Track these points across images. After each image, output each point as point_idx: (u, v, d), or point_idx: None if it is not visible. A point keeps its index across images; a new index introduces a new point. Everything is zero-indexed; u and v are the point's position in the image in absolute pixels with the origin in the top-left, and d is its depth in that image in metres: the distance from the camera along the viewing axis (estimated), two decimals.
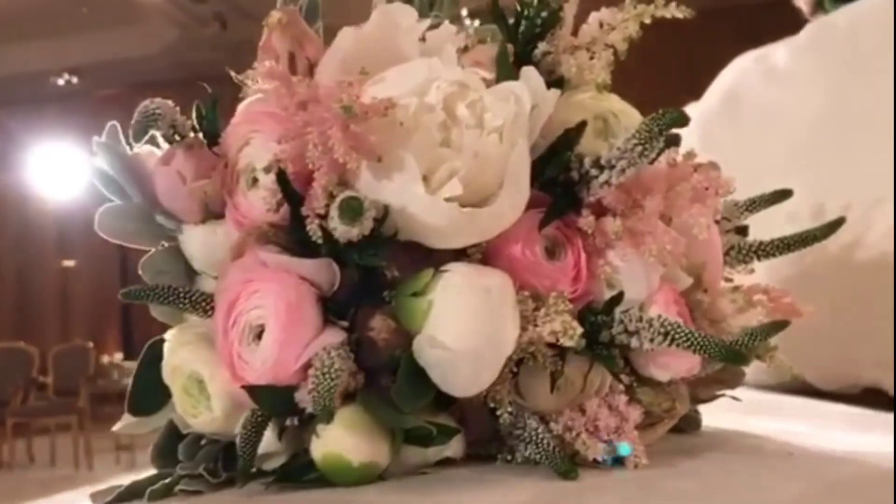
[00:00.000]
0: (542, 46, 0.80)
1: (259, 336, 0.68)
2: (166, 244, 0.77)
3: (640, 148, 0.67)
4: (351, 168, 0.65)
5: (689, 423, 0.86)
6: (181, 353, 0.71)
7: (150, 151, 0.76)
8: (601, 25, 0.81)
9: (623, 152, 0.68)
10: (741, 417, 0.91)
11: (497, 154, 0.68)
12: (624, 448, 0.67)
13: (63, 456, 8.03)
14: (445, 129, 0.67)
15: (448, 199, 0.66)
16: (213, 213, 0.75)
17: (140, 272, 0.74)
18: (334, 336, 0.66)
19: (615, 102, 0.79)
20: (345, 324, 0.68)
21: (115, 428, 0.78)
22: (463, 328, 0.66)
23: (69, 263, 12.91)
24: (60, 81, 11.96)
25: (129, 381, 0.76)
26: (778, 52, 1.91)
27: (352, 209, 0.62)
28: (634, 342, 0.70)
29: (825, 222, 0.92)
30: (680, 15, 0.78)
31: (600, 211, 0.74)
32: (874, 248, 1.34)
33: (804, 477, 0.67)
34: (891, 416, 1.08)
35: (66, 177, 11.47)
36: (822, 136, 1.58)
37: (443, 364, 0.67)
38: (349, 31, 0.71)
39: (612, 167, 0.70)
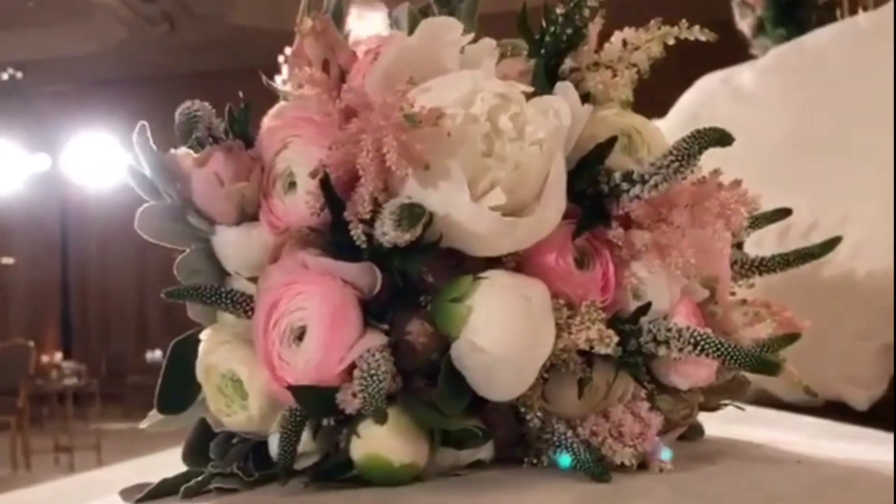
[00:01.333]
0: (568, 62, 0.81)
1: (300, 337, 0.68)
2: (197, 245, 0.77)
3: (676, 164, 0.69)
4: (400, 175, 0.65)
5: (694, 431, 0.88)
6: (219, 352, 0.71)
7: (186, 153, 0.76)
8: (625, 44, 0.82)
9: (658, 168, 0.70)
10: (723, 426, 0.92)
11: (537, 166, 0.69)
12: (666, 453, 0.68)
13: (0, 457, 7.86)
14: (488, 140, 0.68)
15: (491, 209, 0.67)
16: (247, 215, 0.75)
17: (175, 272, 0.74)
18: (376, 339, 0.67)
19: (637, 119, 0.81)
20: (385, 327, 0.68)
21: (143, 425, 0.77)
22: (504, 334, 0.67)
23: (8, 261, 12.66)
24: (4, 76, 11.73)
25: (159, 378, 0.75)
26: (743, 74, 1.95)
27: (414, 216, 0.62)
28: (662, 351, 0.71)
29: (824, 240, 0.94)
30: (703, 38, 0.80)
31: (627, 223, 0.75)
32: (841, 265, 1.37)
33: (824, 482, 0.69)
34: (855, 427, 1.11)
35: (6, 173, 11.24)
36: (788, 156, 1.61)
37: (483, 368, 0.68)
38: (395, 42, 0.72)
39: (645, 182, 0.71)
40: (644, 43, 0.81)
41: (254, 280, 0.74)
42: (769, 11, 3.47)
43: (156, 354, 10.69)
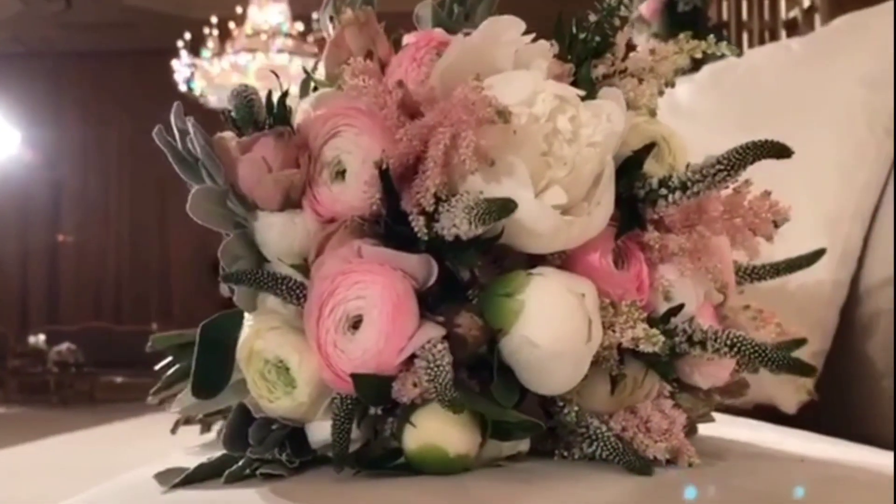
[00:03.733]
0: (600, 69, 0.82)
1: (355, 326, 0.67)
2: (237, 231, 0.75)
3: (724, 173, 0.70)
4: (464, 170, 0.65)
5: (689, 429, 0.90)
6: (267, 338, 0.70)
7: (231, 137, 0.74)
8: (652, 53, 0.84)
9: (704, 175, 0.71)
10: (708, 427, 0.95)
11: (589, 167, 0.70)
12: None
13: None
14: (548, 140, 0.69)
15: (553, 207, 0.68)
16: (291, 201, 0.73)
17: (220, 256, 0.72)
18: (434, 330, 0.67)
19: (664, 127, 0.83)
20: (441, 319, 0.68)
21: (174, 409, 0.75)
22: (557, 329, 0.68)
23: None
24: None
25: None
26: (679, 90, 2.00)
27: (506, 209, 0.62)
28: (697, 351, 0.73)
29: (811, 251, 0.98)
30: (729, 54, 0.83)
31: (659, 227, 0.77)
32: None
33: (842, 477, 0.72)
34: (786, 429, 1.15)
35: None
36: None
37: (535, 363, 0.68)
38: (459, 39, 0.72)
39: (687, 188, 0.73)
40: (672, 55, 0.83)
41: (296, 267, 0.73)
42: (663, 28, 3.57)
43: (39, 339, 10.31)
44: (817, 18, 4.92)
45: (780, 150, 0.68)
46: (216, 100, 8.32)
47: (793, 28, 5.32)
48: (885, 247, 1.30)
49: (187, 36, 8.62)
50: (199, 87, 8.59)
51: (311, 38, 8.56)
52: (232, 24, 8.50)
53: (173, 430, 1.02)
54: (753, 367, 0.75)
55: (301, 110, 0.78)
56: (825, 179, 1.31)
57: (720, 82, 1.91)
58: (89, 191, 11.59)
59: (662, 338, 0.69)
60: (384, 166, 0.67)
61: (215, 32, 8.60)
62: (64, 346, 9.99)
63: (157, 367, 0.96)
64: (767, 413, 1.41)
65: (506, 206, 0.62)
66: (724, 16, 5.65)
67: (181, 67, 8.67)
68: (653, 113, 0.83)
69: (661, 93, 0.83)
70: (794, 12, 5.34)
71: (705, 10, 3.65)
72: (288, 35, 8.44)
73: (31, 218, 11.63)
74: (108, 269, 11.74)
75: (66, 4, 9.64)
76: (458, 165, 0.67)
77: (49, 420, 7.67)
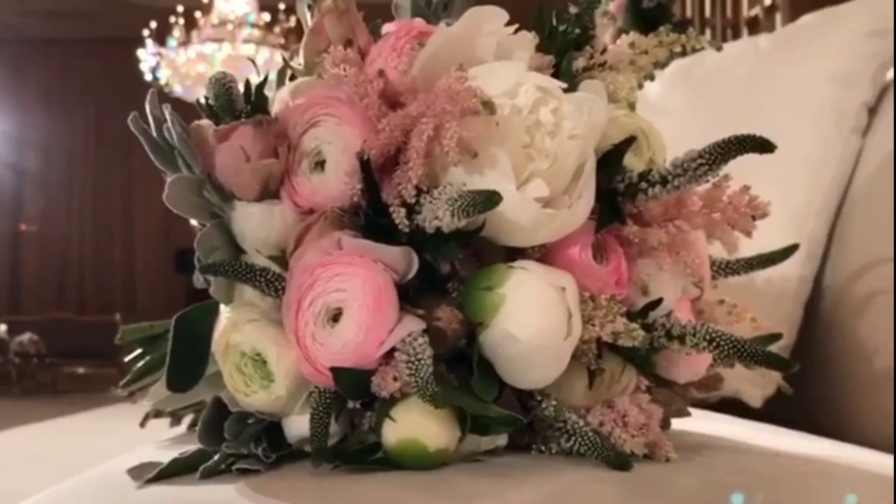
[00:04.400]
0: (580, 62, 0.81)
1: (334, 319, 0.66)
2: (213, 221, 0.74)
3: (705, 168, 0.70)
4: (446, 162, 0.64)
5: (663, 424, 0.90)
6: (245, 330, 0.68)
7: (208, 125, 0.72)
8: (631, 46, 0.83)
9: (685, 169, 0.71)
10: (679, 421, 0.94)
11: (571, 160, 0.69)
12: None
13: None
14: (530, 133, 0.68)
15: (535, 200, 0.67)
16: (269, 191, 0.72)
17: (196, 247, 0.71)
18: (414, 323, 0.66)
19: (643, 121, 0.82)
20: (421, 312, 0.67)
21: (147, 402, 0.74)
22: (539, 323, 0.67)
23: None
24: None
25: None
26: (647, 85, 1.99)
27: (491, 202, 0.61)
28: (675, 346, 0.72)
29: (783, 247, 0.97)
30: (710, 48, 0.82)
31: (638, 221, 0.76)
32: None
33: (815, 472, 0.72)
34: (756, 423, 1.15)
35: None
36: None
37: (515, 357, 0.67)
38: (441, 28, 0.71)
39: (667, 182, 0.72)
40: (653, 48, 0.82)
41: (273, 259, 0.71)
42: (628, 23, 3.58)
43: (0, 329, 10.16)
44: (778, 17, 4.97)
45: (761, 145, 0.67)
46: (181, 90, 8.24)
47: (754, 25, 5.37)
48: (849, 243, 1.30)
49: (153, 25, 8.52)
50: (164, 76, 8.50)
51: (277, 29, 8.50)
52: (198, 14, 8.41)
53: (142, 424, 1.00)
54: (731, 362, 0.74)
55: (279, 99, 0.77)
56: (793, 176, 1.31)
57: (688, 77, 1.91)
58: (53, 180, 11.44)
59: (642, 332, 0.69)
60: (365, 157, 0.66)
61: (181, 22, 8.51)
62: (26, 336, 9.86)
63: (126, 360, 0.94)
64: (733, 407, 1.41)
65: (490, 199, 0.61)
66: (688, 12, 5.69)
67: (147, 56, 8.58)
68: (632, 106, 0.82)
69: (640, 86, 0.83)
70: (756, 10, 5.38)
71: (669, 6, 3.66)
72: (254, 25, 8.38)
73: None
74: (71, 259, 11.61)
75: None
76: (440, 157, 0.66)
77: (11, 411, 7.56)
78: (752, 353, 0.69)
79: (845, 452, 0.86)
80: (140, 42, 8.72)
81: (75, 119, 11.35)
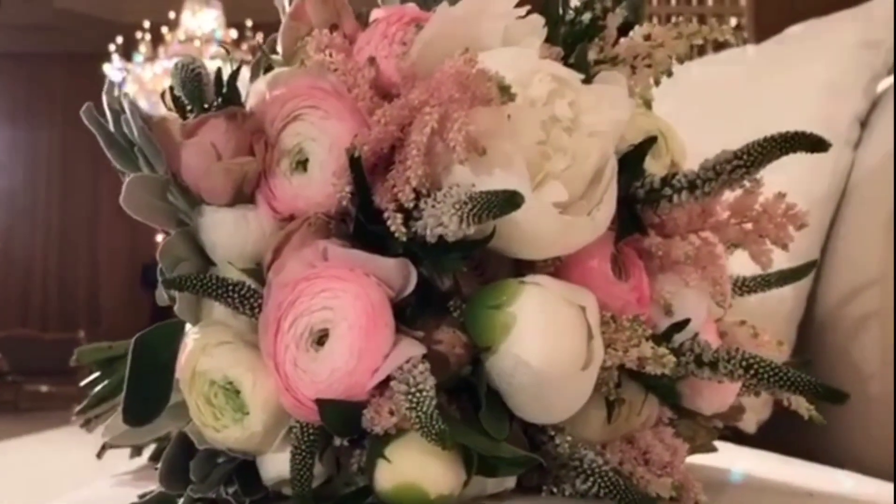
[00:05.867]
0: (591, 55, 0.72)
1: (320, 342, 0.56)
2: (179, 228, 0.63)
3: (741, 171, 0.60)
4: (459, 159, 0.55)
5: None
6: (216, 354, 0.58)
7: (174, 118, 0.62)
8: (647, 39, 0.74)
9: (717, 172, 0.61)
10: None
11: (591, 161, 0.60)
12: None
13: None
14: (544, 128, 0.58)
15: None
16: (243, 195, 0.62)
17: (159, 258, 0.60)
18: (413, 348, 0.56)
19: (661, 121, 0.73)
20: (420, 334, 0.57)
21: (104, 438, 0.63)
22: (556, 347, 0.57)
23: None
24: None
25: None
26: None
27: (511, 204, 0.51)
28: (706, 373, 0.63)
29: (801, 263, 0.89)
30: (733, 40, 0.73)
31: (661, 232, 0.67)
32: None
33: None
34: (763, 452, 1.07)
35: None
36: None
37: (528, 387, 0.58)
38: (442, 9, 0.61)
39: (696, 187, 0.63)
40: (670, 40, 0.73)
41: (247, 272, 0.61)
42: None
43: None
44: (742, 44, 4.94)
45: (814, 143, 0.58)
46: (148, 105, 8.09)
47: (721, 47, 5.33)
48: (840, 261, 1.23)
49: (119, 40, 8.37)
50: (131, 91, 8.34)
51: (244, 46, 8.38)
52: (165, 30, 8.28)
53: (99, 455, 0.89)
54: (767, 390, 0.65)
55: (254, 92, 0.67)
56: (784, 190, 1.23)
57: (674, 88, 1.83)
58: (17, 195, 11.22)
59: (673, 358, 0.59)
60: (356, 154, 0.56)
61: (148, 37, 8.37)
62: None
63: (81, 384, 0.84)
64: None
65: (510, 201, 0.51)
66: None
67: (113, 71, 8.42)
68: (648, 104, 0.73)
69: (657, 82, 0.74)
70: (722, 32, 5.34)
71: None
72: (221, 43, 8.25)
73: None
74: (34, 275, 11.37)
75: None
76: (443, 154, 0.56)
77: None
78: (799, 382, 0.60)
79: (874, 489, 0.78)
80: (107, 57, 8.57)
81: (41, 133, 11.13)
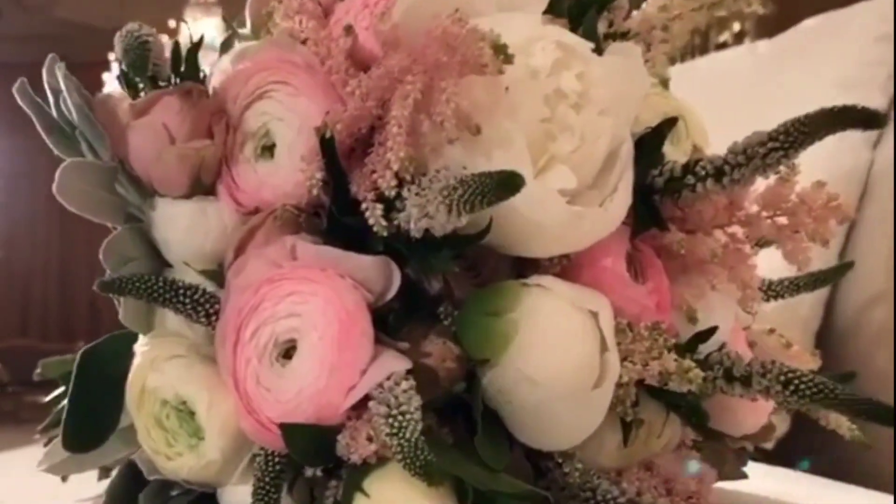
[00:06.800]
0: (600, 29, 0.63)
1: (286, 355, 0.48)
2: (127, 224, 0.55)
3: (778, 154, 0.52)
4: (449, 137, 0.46)
5: None
6: (166, 369, 0.49)
7: (122, 96, 0.53)
8: (663, 10, 0.65)
9: (749, 157, 0.52)
10: None
11: (603, 142, 0.51)
12: None
13: None
14: (549, 103, 0.50)
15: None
16: (202, 185, 0.53)
17: (102, 258, 0.52)
18: (396, 362, 0.47)
19: (680, 102, 0.64)
20: (404, 345, 0.48)
21: (41, 467, 0.54)
22: (564, 361, 0.49)
23: None
24: None
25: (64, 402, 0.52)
26: None
27: (509, 186, 0.42)
28: (736, 390, 0.54)
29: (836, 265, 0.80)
30: (760, 10, 0.65)
31: (681, 227, 0.58)
32: None
33: None
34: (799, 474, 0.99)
35: None
36: None
37: (532, 408, 0.49)
38: None
39: (722, 174, 0.54)
40: (688, 11, 0.64)
41: (207, 274, 0.52)
42: None
43: None
44: (747, 42, 4.87)
45: (867, 118, 0.49)
46: None
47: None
48: (859, 266, 1.15)
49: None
50: None
51: None
52: (165, 38, 8.21)
53: (64, 478, 0.81)
54: (814, 408, 0.56)
55: (219, 70, 0.58)
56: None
57: (682, 85, 1.76)
58: (17, 205, 11.14)
59: (701, 372, 0.50)
60: (328, 134, 0.47)
61: None
62: None
63: (47, 399, 0.76)
64: None
65: (508, 183, 0.42)
66: None
67: (112, 80, 8.35)
68: (665, 84, 0.64)
69: (674, 59, 0.65)
70: (725, 36, 5.29)
71: None
72: (223, 17, 8.17)
73: None
74: (35, 285, 11.29)
75: None
76: (430, 133, 0.47)
77: None
78: (850, 401, 0.51)
79: None
80: (106, 66, 8.50)
81: (41, 143, 11.07)
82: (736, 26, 5.14)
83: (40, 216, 11.15)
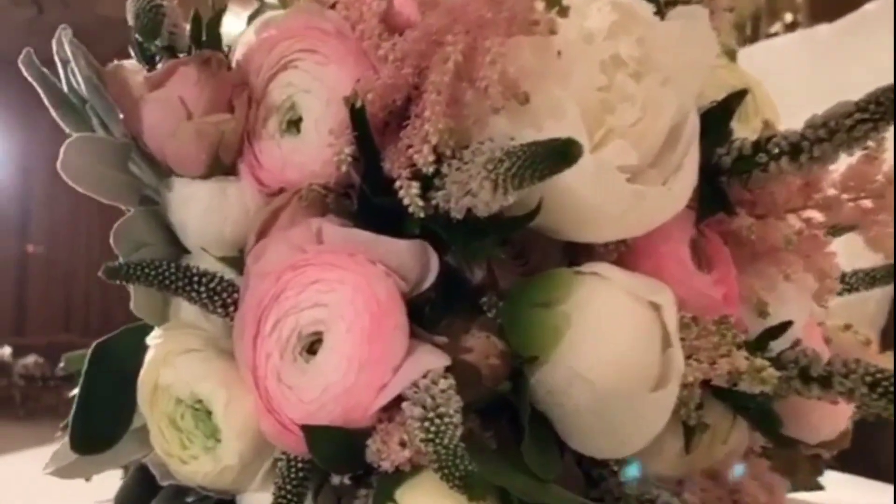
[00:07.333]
0: None
1: (311, 350, 0.43)
2: (142, 206, 0.51)
3: (866, 126, 0.46)
4: (494, 105, 0.41)
5: None
6: (180, 365, 0.45)
7: (135, 67, 0.49)
8: None
9: (832, 130, 0.47)
10: None
11: (666, 115, 0.46)
12: None
13: None
14: (606, 71, 0.45)
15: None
16: (222, 165, 0.49)
17: (113, 242, 0.47)
18: (434, 358, 0.42)
19: (748, 76, 0.59)
20: (443, 340, 0.44)
21: (47, 470, 0.50)
22: (622, 358, 0.44)
23: None
24: None
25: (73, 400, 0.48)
26: None
27: (566, 157, 0.37)
28: (814, 391, 0.48)
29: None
30: None
31: (752, 212, 0.53)
32: None
33: None
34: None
35: None
36: None
37: (586, 410, 0.44)
38: None
39: (800, 151, 0.48)
40: None
41: (227, 261, 0.48)
42: None
43: (4, 351, 9.94)
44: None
45: None
46: None
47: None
48: None
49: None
50: None
51: None
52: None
53: (87, 478, 0.77)
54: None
55: (242, 44, 0.54)
56: None
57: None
58: (60, 201, 11.26)
59: (775, 372, 0.45)
60: (358, 104, 0.42)
61: None
62: (30, 359, 9.65)
63: (71, 394, 0.72)
64: None
65: (564, 153, 0.37)
66: None
67: None
68: (732, 55, 0.59)
69: (741, 28, 0.60)
70: (777, 27, 5.19)
71: None
72: None
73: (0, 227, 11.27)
74: (77, 280, 11.40)
75: (38, 10, 9.37)
76: (473, 103, 0.42)
77: (14, 434, 7.33)
78: None
79: None
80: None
81: None
82: (788, 17, 5.04)
83: (82, 211, 11.26)
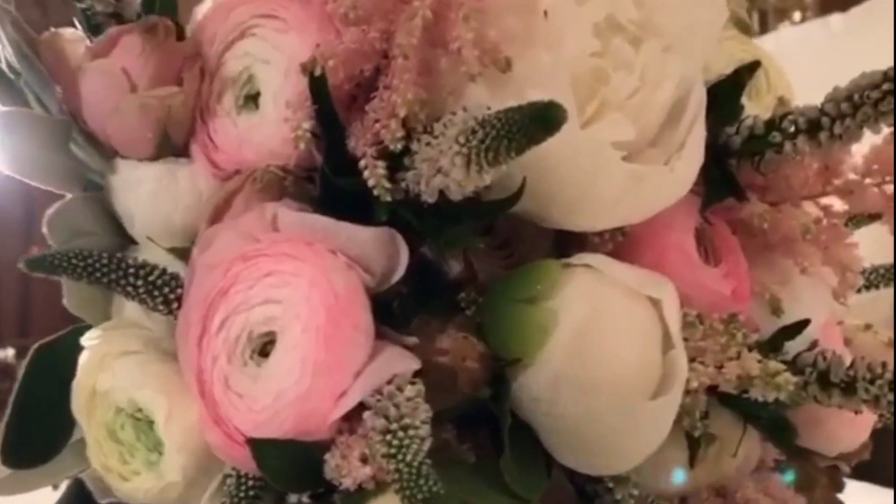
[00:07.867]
0: None
1: (263, 352, 0.38)
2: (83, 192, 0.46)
3: (891, 100, 0.41)
4: (469, 72, 0.36)
5: None
6: (118, 369, 0.40)
7: (76, 35, 0.44)
8: None
9: (855, 106, 0.42)
10: None
11: (667, 87, 0.41)
12: None
13: None
14: (600, 35, 0.40)
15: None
16: (172, 145, 0.44)
17: (47, 230, 0.43)
18: (400, 361, 0.37)
19: (760, 50, 0.54)
20: (413, 340, 0.39)
21: None
22: (617, 361, 0.39)
23: None
24: None
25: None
26: None
27: (548, 123, 0.31)
28: (836, 398, 0.44)
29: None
30: None
31: (764, 198, 0.48)
32: None
33: None
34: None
35: None
36: None
37: (577, 419, 0.39)
38: None
39: (818, 128, 0.44)
40: None
41: (178, 252, 0.43)
42: None
43: (8, 353, 9.96)
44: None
45: None
46: None
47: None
48: None
49: None
50: None
51: None
52: None
53: (55, 485, 0.72)
54: None
55: (198, 14, 0.49)
56: None
57: None
58: None
59: (792, 377, 0.40)
60: (317, 71, 0.37)
61: None
62: None
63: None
64: None
65: (543, 117, 0.31)
66: None
67: None
68: (745, 28, 0.54)
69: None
70: (785, 25, 5.17)
71: None
72: None
73: (4, 229, 11.31)
74: None
75: (42, 12, 9.41)
76: (448, 71, 0.37)
77: None
78: None
79: None
80: None
81: None
82: (797, 15, 5.01)
83: None
